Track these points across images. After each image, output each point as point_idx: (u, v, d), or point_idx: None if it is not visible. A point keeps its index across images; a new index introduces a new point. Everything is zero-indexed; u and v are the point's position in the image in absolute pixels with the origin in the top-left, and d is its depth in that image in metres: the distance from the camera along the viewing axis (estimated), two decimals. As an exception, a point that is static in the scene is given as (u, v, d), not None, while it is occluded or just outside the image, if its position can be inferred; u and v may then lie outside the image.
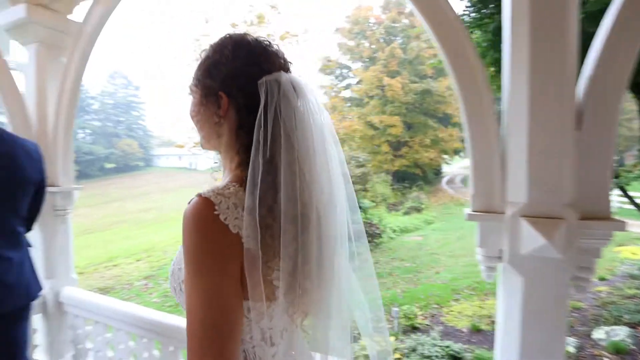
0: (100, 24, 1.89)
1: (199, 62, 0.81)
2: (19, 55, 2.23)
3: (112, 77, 42.20)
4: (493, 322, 5.37)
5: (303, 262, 0.71)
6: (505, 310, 1.19)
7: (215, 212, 0.66)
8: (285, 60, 0.81)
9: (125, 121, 41.46)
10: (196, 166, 32.76)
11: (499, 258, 1.19)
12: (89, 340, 2.02)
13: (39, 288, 1.56)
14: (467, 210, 1.24)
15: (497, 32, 4.31)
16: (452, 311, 6.34)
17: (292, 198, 0.70)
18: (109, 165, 37.45)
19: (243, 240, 0.67)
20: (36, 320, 2.01)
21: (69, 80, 1.96)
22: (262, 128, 0.70)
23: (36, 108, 1.99)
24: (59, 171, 2.02)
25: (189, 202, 0.69)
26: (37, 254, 1.83)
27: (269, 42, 0.80)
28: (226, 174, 0.79)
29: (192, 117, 0.83)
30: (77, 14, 2.05)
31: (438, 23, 1.22)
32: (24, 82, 2.09)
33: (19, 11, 1.85)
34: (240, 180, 0.72)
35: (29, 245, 1.58)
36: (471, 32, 5.19)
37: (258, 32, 9.11)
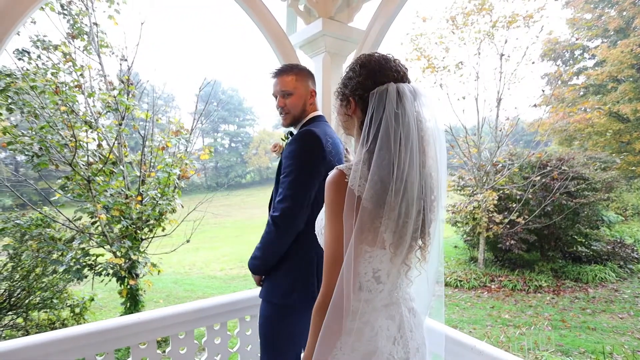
0: (383, 30, 1.97)
1: (343, 75, 1.14)
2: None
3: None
4: None
5: (405, 225, 0.98)
6: None
7: (346, 180, 0.99)
8: (399, 72, 1.07)
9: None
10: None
11: None
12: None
13: None
14: None
15: None
16: None
17: (398, 178, 0.96)
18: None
19: (362, 201, 0.96)
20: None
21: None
22: (368, 127, 1.01)
23: (322, 112, 2.26)
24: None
25: (331, 172, 1.04)
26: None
27: (389, 59, 1.08)
28: (357, 155, 1.06)
29: (337, 114, 1.17)
30: (357, 22, 2.22)
31: None
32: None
33: (316, 26, 2.13)
34: (365, 160, 1.00)
35: None
36: None
37: (478, 20, 8.44)
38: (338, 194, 0.99)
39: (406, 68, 1.12)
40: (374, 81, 1.05)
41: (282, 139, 1.85)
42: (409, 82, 1.09)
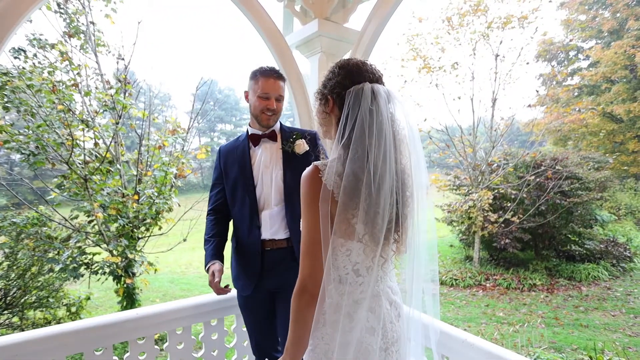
0: (377, 31, 2.01)
1: (323, 77, 1.21)
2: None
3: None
4: None
5: (377, 217, 1.03)
6: None
7: (319, 175, 1.06)
8: (374, 75, 1.16)
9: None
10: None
11: None
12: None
13: None
14: None
15: None
16: None
17: (371, 171, 1.02)
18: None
19: (334, 194, 1.04)
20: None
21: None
22: (344, 122, 1.08)
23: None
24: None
25: (307, 168, 1.11)
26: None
27: (365, 63, 1.18)
28: (333, 151, 1.13)
29: (315, 113, 1.24)
30: (352, 22, 2.26)
31: None
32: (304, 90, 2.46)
33: (312, 27, 2.17)
34: (340, 156, 1.07)
35: None
36: None
37: (473, 21, 8.49)
38: (312, 188, 1.07)
39: (381, 73, 1.21)
40: (351, 81, 1.13)
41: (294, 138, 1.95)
42: (383, 85, 1.17)
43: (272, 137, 1.92)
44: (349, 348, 1.05)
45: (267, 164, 1.89)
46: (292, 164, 1.87)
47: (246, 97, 1.93)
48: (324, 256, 1.04)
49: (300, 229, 1.12)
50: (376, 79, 1.16)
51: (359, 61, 1.18)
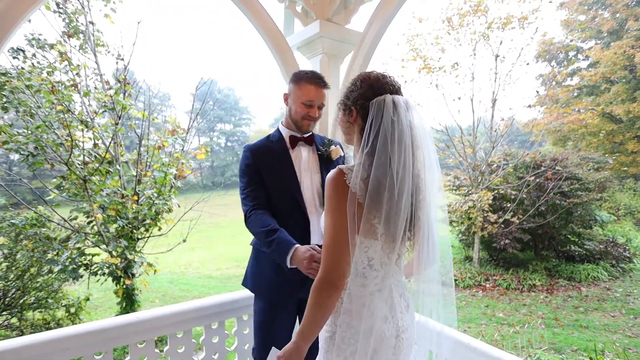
0: (380, 33, 2.00)
1: (345, 89, 1.32)
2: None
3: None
4: None
5: (396, 218, 1.13)
6: None
7: (344, 178, 1.15)
8: (394, 86, 1.25)
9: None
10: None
11: None
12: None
13: None
14: None
15: None
16: None
17: (393, 176, 1.12)
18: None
19: (358, 197, 1.12)
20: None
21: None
22: (368, 131, 1.16)
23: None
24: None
25: (332, 170, 1.20)
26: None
27: (385, 75, 1.26)
28: (358, 158, 1.20)
29: (338, 122, 1.35)
30: (353, 23, 2.24)
31: None
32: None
33: (313, 28, 2.16)
34: (363, 162, 1.14)
35: None
36: None
37: (473, 21, 8.48)
38: (336, 190, 1.16)
39: (400, 84, 1.29)
40: (373, 93, 1.22)
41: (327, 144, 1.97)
42: (402, 96, 1.26)
43: (308, 141, 1.92)
44: (363, 334, 1.16)
45: (306, 167, 1.88)
46: (328, 169, 1.87)
47: (285, 100, 1.89)
48: (351, 253, 1.14)
49: (324, 227, 1.19)
50: (395, 90, 1.24)
51: (379, 74, 1.27)
